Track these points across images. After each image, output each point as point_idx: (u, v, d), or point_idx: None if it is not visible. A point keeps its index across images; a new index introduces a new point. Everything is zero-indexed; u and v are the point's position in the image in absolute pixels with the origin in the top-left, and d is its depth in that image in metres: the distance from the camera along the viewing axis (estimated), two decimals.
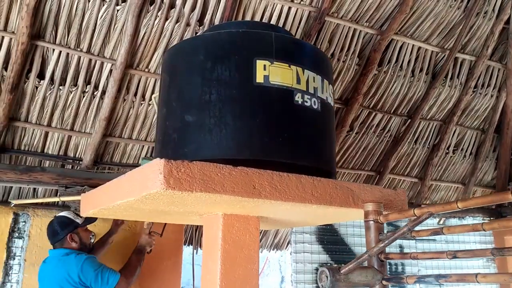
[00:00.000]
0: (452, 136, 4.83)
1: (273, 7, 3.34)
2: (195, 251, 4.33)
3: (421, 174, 4.92)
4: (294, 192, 2.03)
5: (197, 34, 3.04)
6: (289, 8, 3.38)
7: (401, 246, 4.81)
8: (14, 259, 3.10)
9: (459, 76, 4.38)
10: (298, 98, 2.26)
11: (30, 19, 2.79)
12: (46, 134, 3.40)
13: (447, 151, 4.89)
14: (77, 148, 3.54)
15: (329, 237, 4.35)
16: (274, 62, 2.25)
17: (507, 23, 4.21)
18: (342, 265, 2.03)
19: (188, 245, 4.24)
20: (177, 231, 3.62)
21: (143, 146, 3.73)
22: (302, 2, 3.39)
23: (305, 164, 2.23)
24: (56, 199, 3.22)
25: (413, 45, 4.00)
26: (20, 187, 3.54)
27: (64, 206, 3.59)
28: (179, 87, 2.35)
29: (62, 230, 2.88)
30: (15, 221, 3.17)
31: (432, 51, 4.12)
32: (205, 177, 1.83)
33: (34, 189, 3.60)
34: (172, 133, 2.30)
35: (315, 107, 2.33)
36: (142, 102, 3.47)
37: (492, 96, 4.68)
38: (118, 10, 3.00)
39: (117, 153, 3.69)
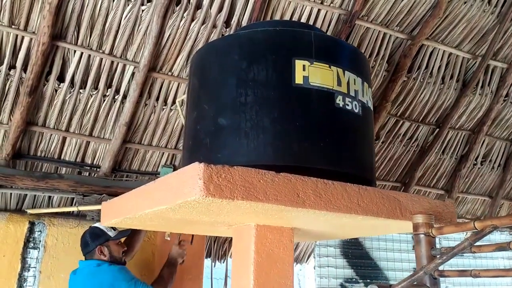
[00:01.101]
0: (481, 147, 4.64)
1: (302, 9, 3.20)
2: (213, 263, 4.16)
3: (447, 186, 4.72)
4: (339, 202, 1.86)
5: (226, 35, 2.90)
6: (319, 10, 3.25)
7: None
8: (28, 270, 2.95)
9: (490, 84, 4.21)
10: (339, 101, 2.10)
11: (52, 19, 2.67)
12: (64, 139, 3.27)
13: (475, 162, 4.70)
14: (95, 155, 3.41)
15: (354, 251, 4.16)
16: (314, 63, 2.10)
17: None
18: (392, 283, 1.85)
19: (206, 257, 4.07)
20: (199, 243, 3.45)
21: (163, 153, 3.59)
22: (332, 4, 3.25)
23: (347, 172, 2.07)
24: (73, 209, 3.07)
25: (444, 51, 3.84)
26: (35, 195, 3.41)
27: (80, 215, 3.45)
28: (212, 89, 2.20)
29: (92, 242, 2.75)
30: (31, 230, 3.03)
31: (464, 58, 3.96)
32: (247, 183, 1.66)
33: (49, 197, 3.46)
34: (204, 138, 2.15)
35: (356, 111, 2.17)
36: (164, 107, 3.34)
37: None
38: (143, 11, 2.87)
39: (136, 160, 3.55)
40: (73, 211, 3.45)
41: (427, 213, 2.00)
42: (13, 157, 3.12)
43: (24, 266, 2.93)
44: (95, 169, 3.42)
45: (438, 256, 1.82)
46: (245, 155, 2.00)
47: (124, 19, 2.88)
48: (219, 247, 4.25)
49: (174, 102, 3.34)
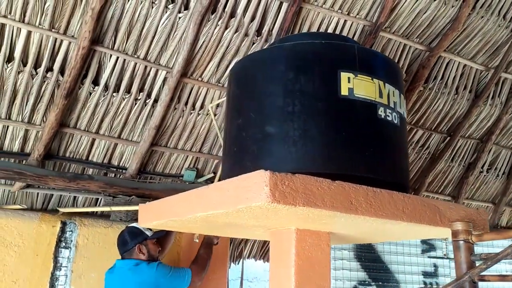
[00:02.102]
0: (488, 155, 4.79)
1: (329, 20, 3.31)
2: (231, 264, 4.24)
3: (454, 193, 4.87)
4: (387, 209, 1.96)
5: (269, 45, 2.99)
6: (345, 21, 3.36)
7: (435, 265, 4.75)
8: (60, 270, 3.00)
9: (500, 95, 4.36)
10: (381, 112, 2.21)
11: (93, 24, 2.73)
12: (93, 141, 3.32)
13: (481, 170, 4.85)
14: (121, 157, 3.47)
15: (366, 255, 4.28)
16: (358, 75, 2.20)
17: None
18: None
19: None
20: (224, 244, 3.53)
21: (187, 156, 3.66)
22: (357, 16, 3.36)
23: (388, 180, 2.17)
24: (106, 209, 3.13)
25: (459, 62, 3.97)
26: (61, 195, 3.46)
27: (103, 215, 3.50)
28: (258, 98, 2.28)
29: (131, 240, 2.83)
30: (62, 230, 3.08)
31: (477, 69, 4.10)
32: (307, 190, 1.76)
33: (74, 197, 3.52)
34: (251, 145, 2.23)
35: (395, 122, 2.28)
36: (192, 111, 3.41)
37: None
38: (179, 18, 2.95)
39: (160, 162, 3.62)
40: (96, 211, 3.52)
41: (464, 220, 2.11)
42: (44, 158, 3.17)
43: (56, 266, 2.98)
44: (121, 170, 3.49)
45: (482, 262, 1.91)
46: (293, 162, 2.10)
47: (161, 25, 2.95)
48: (234, 249, 4.33)
49: (202, 107, 3.42)
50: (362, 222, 2.06)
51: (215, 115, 3.40)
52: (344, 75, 2.18)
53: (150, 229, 2.92)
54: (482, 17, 3.72)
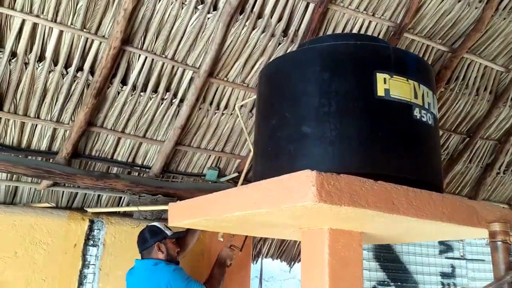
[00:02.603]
0: (505, 156, 4.80)
1: (354, 21, 3.32)
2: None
3: (471, 193, 4.88)
4: (427, 209, 1.97)
5: (299, 46, 3.01)
6: (370, 22, 3.37)
7: (452, 266, 4.76)
8: (88, 267, 3.02)
9: None
10: (416, 113, 2.22)
11: (125, 24, 2.76)
12: (118, 140, 3.35)
13: (498, 171, 4.86)
14: (145, 156, 3.49)
15: (385, 255, 4.29)
16: (394, 76, 2.21)
17: None
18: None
19: None
20: (247, 245, 3.54)
21: (209, 156, 3.68)
22: (382, 17, 3.37)
23: (424, 180, 2.18)
24: (134, 209, 3.15)
25: (480, 63, 3.98)
26: (85, 194, 3.49)
27: (127, 214, 3.53)
28: (293, 98, 2.30)
29: (151, 238, 2.84)
30: (90, 228, 3.10)
31: (497, 71, 4.11)
32: (352, 191, 1.77)
33: (99, 196, 3.54)
34: (286, 145, 2.24)
35: (430, 122, 2.29)
36: (216, 111, 3.43)
37: None
38: (208, 18, 2.97)
39: (183, 162, 3.64)
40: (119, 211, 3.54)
41: (501, 221, 2.13)
42: (71, 157, 3.20)
43: (84, 264, 3.00)
44: (144, 169, 3.51)
45: None
46: (330, 162, 2.11)
47: (190, 26, 2.97)
48: (253, 248, 4.35)
49: (226, 107, 3.44)
50: (400, 223, 2.07)
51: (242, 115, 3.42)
52: (380, 76, 2.19)
53: (170, 229, 2.94)
54: (505, 18, 3.73)
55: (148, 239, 2.87)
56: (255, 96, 3.31)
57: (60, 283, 2.90)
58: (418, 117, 2.22)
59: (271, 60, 3.16)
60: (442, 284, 4.60)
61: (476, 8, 3.55)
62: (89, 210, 3.19)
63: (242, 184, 3.46)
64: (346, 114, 2.15)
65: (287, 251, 4.66)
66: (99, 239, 3.09)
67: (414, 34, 3.56)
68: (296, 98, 2.29)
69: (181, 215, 2.56)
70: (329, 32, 3.29)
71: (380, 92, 2.17)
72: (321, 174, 1.70)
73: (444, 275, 4.65)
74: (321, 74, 2.23)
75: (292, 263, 4.71)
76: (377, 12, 3.34)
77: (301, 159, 2.18)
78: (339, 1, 3.18)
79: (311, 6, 3.13)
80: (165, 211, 3.60)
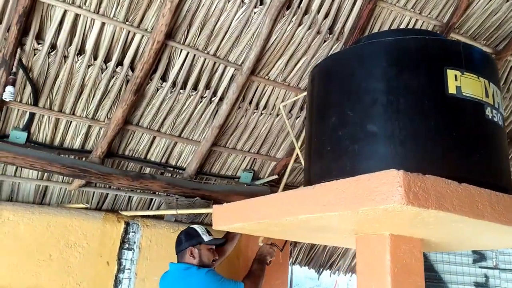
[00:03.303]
0: None
1: (401, 19, 3.20)
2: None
3: None
4: (509, 214, 1.84)
5: (354, 42, 2.88)
6: (416, 20, 3.25)
7: (486, 276, 4.60)
8: (123, 272, 2.88)
9: None
10: (488, 112, 2.08)
11: (171, 17, 2.64)
12: (153, 139, 3.22)
13: None
14: (180, 156, 3.36)
15: None
16: (465, 73, 2.08)
17: None
18: None
19: None
20: (286, 248, 3.40)
21: (245, 157, 3.55)
22: (429, 15, 3.25)
23: (497, 183, 2.05)
24: (172, 212, 3.01)
25: None
26: (116, 195, 3.36)
27: (159, 217, 3.40)
28: (356, 95, 2.17)
29: (186, 241, 2.70)
30: (125, 231, 2.96)
31: None
32: (438, 193, 1.63)
33: (129, 197, 3.41)
34: (350, 144, 2.11)
35: (500, 123, 2.16)
36: (255, 110, 3.31)
37: None
38: (255, 13, 2.85)
39: (217, 163, 3.51)
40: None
41: None
42: (104, 156, 3.07)
43: (120, 268, 2.86)
44: (178, 170, 3.38)
45: None
46: (400, 163, 1.96)
47: (235, 20, 2.85)
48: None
49: (265, 106, 3.31)
50: (475, 228, 1.94)
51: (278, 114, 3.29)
52: (450, 73, 2.05)
53: (211, 234, 2.80)
54: None
55: (183, 241, 2.73)
56: (301, 95, 3.20)
57: None
58: (490, 117, 2.09)
59: (321, 58, 3.04)
60: None
61: None
62: (124, 213, 3.04)
63: (284, 188, 3.34)
64: (417, 112, 2.01)
65: (316, 258, 4.52)
66: (134, 242, 2.96)
67: (459, 34, 3.44)
68: (359, 95, 2.15)
69: (229, 218, 2.43)
70: (375, 30, 3.17)
71: (452, 90, 2.04)
72: (408, 174, 1.57)
73: (478, 285, 4.50)
74: (388, 70, 2.10)
75: (321, 270, 4.56)
76: (424, 10, 3.22)
77: (368, 159, 2.03)
78: None
79: (359, 2, 3.01)
80: (202, 214, 3.47)
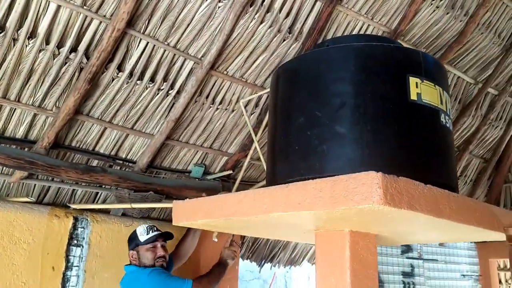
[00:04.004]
0: (460, 163, 5.11)
1: (355, 23, 3.34)
2: None
3: None
4: (462, 213, 2.01)
5: (317, 45, 2.94)
6: (368, 25, 3.41)
7: (412, 266, 4.98)
8: (71, 270, 2.74)
9: (482, 108, 4.67)
10: (442, 118, 2.26)
11: (134, 5, 2.53)
12: (104, 131, 3.08)
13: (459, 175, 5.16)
14: (131, 149, 3.25)
15: None
16: (424, 81, 2.24)
17: None
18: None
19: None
20: (237, 244, 3.42)
21: (197, 151, 3.52)
22: (379, 22, 3.43)
23: (450, 184, 2.23)
24: (126, 206, 2.90)
25: (454, 74, 4.20)
26: (59, 188, 3.17)
27: (102, 211, 3.26)
28: (324, 97, 2.24)
29: (128, 245, 2.63)
30: (74, 226, 2.81)
31: (467, 82, 4.35)
32: (409, 194, 1.75)
33: (73, 190, 3.24)
34: (319, 144, 2.18)
35: (451, 128, 2.35)
36: (211, 105, 3.28)
37: (501, 128, 5.03)
38: (219, 7, 2.82)
39: (169, 157, 3.44)
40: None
41: None
42: (51, 147, 2.89)
43: (67, 265, 2.72)
44: (128, 164, 3.27)
45: None
46: (367, 164, 2.07)
47: (199, 13, 2.81)
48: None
49: (221, 101, 3.30)
50: (443, 226, 2.10)
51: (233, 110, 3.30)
52: (412, 80, 2.20)
53: (159, 230, 2.71)
54: (482, 33, 3.97)
55: (128, 245, 2.66)
56: (262, 92, 3.22)
57: (41, 287, 2.59)
58: (444, 123, 2.27)
59: (279, 56, 3.09)
60: (403, 283, 4.80)
61: (461, 21, 3.73)
62: (73, 206, 2.88)
63: (239, 184, 3.35)
64: (382, 116, 2.13)
65: (258, 251, 4.60)
66: (83, 238, 2.82)
67: (404, 41, 3.66)
68: (328, 97, 2.23)
69: (191, 214, 2.40)
70: (331, 32, 3.27)
71: (413, 96, 2.18)
72: (385, 176, 1.66)
73: (404, 274, 4.85)
74: (357, 74, 2.20)
75: (262, 263, 4.65)
76: (376, 16, 3.39)
77: (336, 159, 2.12)
78: (344, 2, 3.18)
79: (318, 4, 3.09)
80: (154, 209, 3.39)
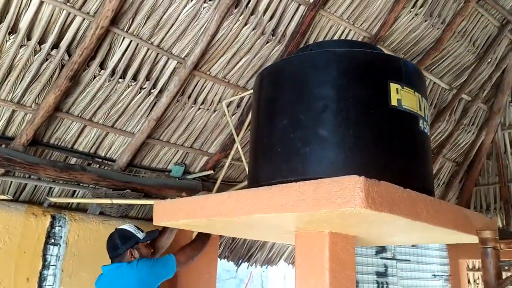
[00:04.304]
0: (435, 166, 5.25)
1: (337, 28, 3.40)
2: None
3: None
4: (438, 217, 2.08)
5: (301, 49, 2.97)
6: (349, 30, 3.47)
7: (385, 266, 5.09)
8: (48, 269, 2.70)
9: (456, 113, 4.81)
10: (421, 124, 2.33)
11: (118, 3, 2.52)
12: (83, 129, 3.05)
13: None
14: (110, 147, 3.22)
15: None
16: (404, 87, 2.30)
17: (504, 71, 4.75)
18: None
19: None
20: (214, 243, 3.44)
21: (177, 151, 3.51)
22: (360, 27, 3.50)
23: (428, 188, 2.31)
24: (107, 201, 2.87)
25: (430, 79, 4.31)
26: (36, 186, 3.12)
27: (80, 210, 3.22)
28: (309, 100, 2.28)
29: (123, 245, 2.60)
30: (51, 225, 2.77)
31: (442, 88, 4.47)
32: (389, 198, 1.80)
33: (50, 188, 3.19)
34: (301, 147, 2.21)
35: (428, 134, 2.42)
36: (193, 105, 3.28)
37: (473, 133, 5.19)
38: (204, 8, 2.82)
39: (149, 156, 3.43)
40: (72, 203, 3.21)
41: (492, 229, 2.32)
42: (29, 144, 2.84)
43: (44, 264, 2.68)
44: (107, 162, 3.24)
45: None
46: (349, 168, 2.12)
47: (183, 13, 2.81)
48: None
49: (203, 101, 3.30)
50: (418, 228, 2.17)
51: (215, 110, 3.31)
52: (393, 86, 2.25)
53: (141, 230, 2.74)
54: (458, 41, 4.09)
55: (120, 245, 2.61)
56: (245, 93, 3.24)
57: (17, 287, 2.55)
58: (422, 128, 2.34)
59: (262, 58, 3.11)
60: (377, 282, 4.90)
61: (438, 29, 3.83)
62: (51, 199, 2.83)
63: (220, 184, 3.36)
64: (364, 120, 2.18)
65: (235, 251, 4.62)
66: (61, 237, 2.78)
67: (383, 46, 3.74)
68: (312, 100, 2.26)
69: (173, 214, 2.40)
70: (314, 35, 3.32)
71: (394, 102, 2.24)
72: (367, 180, 1.71)
73: (378, 273, 4.96)
74: (340, 79, 2.24)
75: (239, 263, 4.67)
76: (357, 22, 3.45)
77: (319, 162, 2.15)
78: (327, 7, 3.23)
79: (302, 8, 3.14)
80: (132, 207, 3.36)
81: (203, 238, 2.85)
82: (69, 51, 2.66)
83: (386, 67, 2.32)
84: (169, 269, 2.61)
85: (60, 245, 2.76)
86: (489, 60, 4.52)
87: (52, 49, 2.61)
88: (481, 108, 5.03)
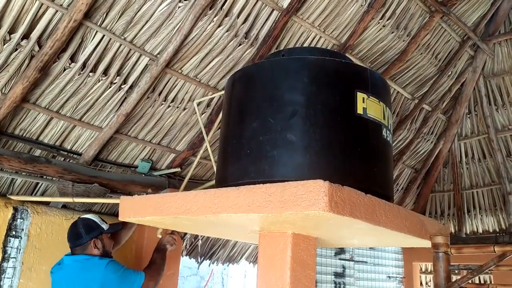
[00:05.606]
0: (394, 172, 5.46)
1: (308, 34, 3.49)
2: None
3: None
4: (396, 222, 2.20)
5: (273, 54, 3.03)
6: (320, 37, 3.57)
7: (343, 267, 5.25)
8: (8, 261, 2.65)
9: (416, 122, 5.02)
10: (384, 133, 2.44)
11: None
12: (50, 121, 3.00)
13: None
14: (76, 141, 3.19)
15: None
16: (370, 96, 2.41)
17: (463, 85, 4.99)
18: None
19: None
20: (177, 241, 3.45)
21: (145, 147, 3.51)
22: (330, 35, 3.60)
23: (388, 194, 2.42)
24: (68, 200, 2.84)
25: (394, 89, 4.48)
26: None
27: (43, 202, 3.17)
28: (278, 104, 2.35)
29: (87, 234, 2.60)
30: (13, 217, 2.72)
31: (405, 97, 4.66)
32: (351, 202, 1.90)
33: (12, 179, 3.12)
34: (270, 150, 2.28)
35: (391, 142, 2.55)
36: (163, 102, 3.29)
37: (432, 142, 5.43)
38: (179, 7, 2.85)
39: (115, 151, 3.41)
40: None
41: (443, 234, 2.46)
42: None
43: (4, 257, 2.63)
44: (73, 155, 3.20)
45: (468, 272, 2.26)
46: (315, 172, 2.20)
47: (158, 11, 2.82)
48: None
49: (173, 99, 3.32)
50: (376, 232, 2.27)
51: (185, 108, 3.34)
52: (360, 95, 2.36)
53: (105, 222, 2.75)
54: (421, 53, 4.27)
55: (83, 235, 2.62)
56: (217, 94, 3.28)
57: None
58: (385, 137, 2.45)
59: (234, 60, 3.16)
60: (335, 283, 5.05)
61: (403, 41, 4.00)
62: (13, 197, 2.79)
63: (187, 182, 3.39)
64: (331, 127, 2.28)
65: (197, 249, 4.65)
66: (22, 229, 2.74)
67: (351, 55, 3.87)
68: (281, 105, 2.34)
69: (139, 210, 2.42)
70: (285, 40, 3.40)
71: (360, 110, 2.35)
72: (332, 185, 1.80)
73: (336, 274, 5.11)
74: (309, 86, 2.33)
75: (201, 260, 4.71)
76: (328, 29, 3.56)
77: (286, 165, 2.23)
78: (299, 13, 3.31)
79: (275, 13, 3.21)
80: (98, 203, 3.34)
81: (160, 253, 2.88)
82: (39, 42, 2.62)
83: (354, 76, 2.42)
84: (134, 285, 2.61)
85: (21, 238, 2.72)
86: (450, 73, 4.75)
87: (22, 39, 2.57)
88: (440, 118, 5.27)
